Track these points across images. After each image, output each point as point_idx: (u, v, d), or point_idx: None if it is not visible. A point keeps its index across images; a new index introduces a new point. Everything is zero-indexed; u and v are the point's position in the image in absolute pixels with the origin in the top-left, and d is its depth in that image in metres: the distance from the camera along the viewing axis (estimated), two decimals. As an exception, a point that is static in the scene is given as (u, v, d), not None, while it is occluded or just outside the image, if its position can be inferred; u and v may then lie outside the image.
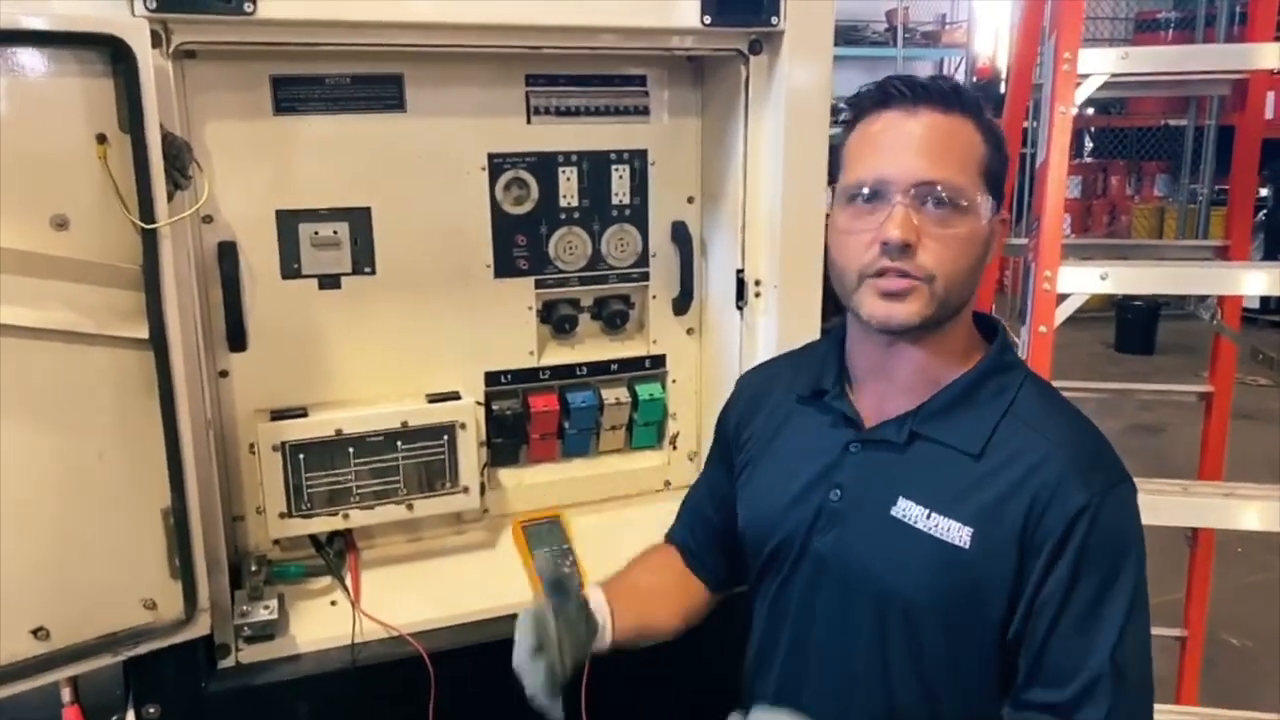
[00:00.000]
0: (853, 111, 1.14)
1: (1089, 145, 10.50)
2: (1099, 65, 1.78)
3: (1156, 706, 2.10)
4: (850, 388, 1.22)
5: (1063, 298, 1.77)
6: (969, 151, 1.08)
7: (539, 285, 1.79)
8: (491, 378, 1.79)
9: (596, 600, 1.25)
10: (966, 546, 1.07)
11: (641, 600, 1.33)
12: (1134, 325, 7.74)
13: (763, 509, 1.27)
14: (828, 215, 1.17)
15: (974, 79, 10.82)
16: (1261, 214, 8.29)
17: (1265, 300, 7.52)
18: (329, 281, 1.65)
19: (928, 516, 1.10)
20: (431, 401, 1.67)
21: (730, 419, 1.39)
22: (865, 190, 1.08)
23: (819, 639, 1.20)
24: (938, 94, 1.08)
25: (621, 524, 1.84)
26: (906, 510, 1.11)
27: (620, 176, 1.80)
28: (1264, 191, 8.44)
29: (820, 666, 1.19)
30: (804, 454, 1.23)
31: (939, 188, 1.05)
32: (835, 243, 1.13)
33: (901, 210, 1.05)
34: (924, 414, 1.14)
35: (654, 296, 1.87)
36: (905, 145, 1.07)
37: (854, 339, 1.21)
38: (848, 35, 11.33)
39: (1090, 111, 9.46)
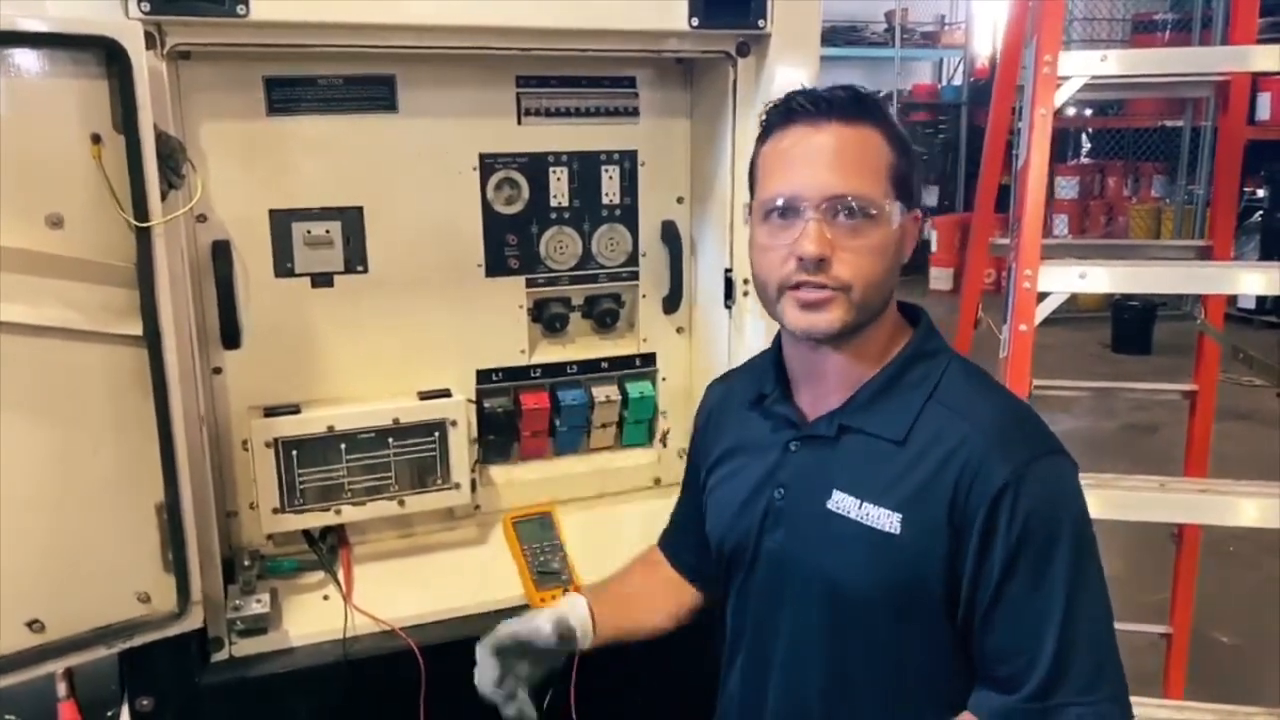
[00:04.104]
0: (762, 127, 1.17)
1: (1086, 146, 10.53)
2: (1079, 68, 1.80)
3: (1142, 699, 2.11)
4: (792, 390, 1.26)
5: (1045, 297, 1.79)
6: (876, 160, 1.11)
7: (530, 284, 1.81)
8: (483, 375, 1.81)
9: (579, 613, 1.35)
10: (897, 533, 1.10)
11: (626, 604, 1.43)
12: (1131, 325, 7.76)
13: (720, 514, 1.31)
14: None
15: (972, 79, 10.85)
16: (1258, 215, 8.32)
17: (1261, 300, 7.53)
18: (322, 280, 1.67)
19: (859, 506, 1.13)
20: (423, 399, 1.69)
21: (696, 429, 1.45)
22: (779, 206, 1.11)
23: (777, 636, 1.22)
24: (841, 106, 1.10)
25: (612, 520, 1.87)
26: (840, 502, 1.15)
27: (610, 177, 1.82)
28: (1261, 193, 8.46)
29: (781, 663, 1.22)
30: (752, 458, 1.26)
31: (849, 199, 1.08)
32: (754, 258, 1.16)
33: (814, 225, 1.07)
34: (851, 407, 1.17)
35: (644, 295, 1.89)
36: (814, 160, 1.09)
37: (787, 345, 1.25)
38: (847, 36, 11.36)
39: (1088, 113, 9.49)
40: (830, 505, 1.15)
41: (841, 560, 1.14)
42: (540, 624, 1.30)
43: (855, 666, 1.15)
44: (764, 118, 1.17)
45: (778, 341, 1.28)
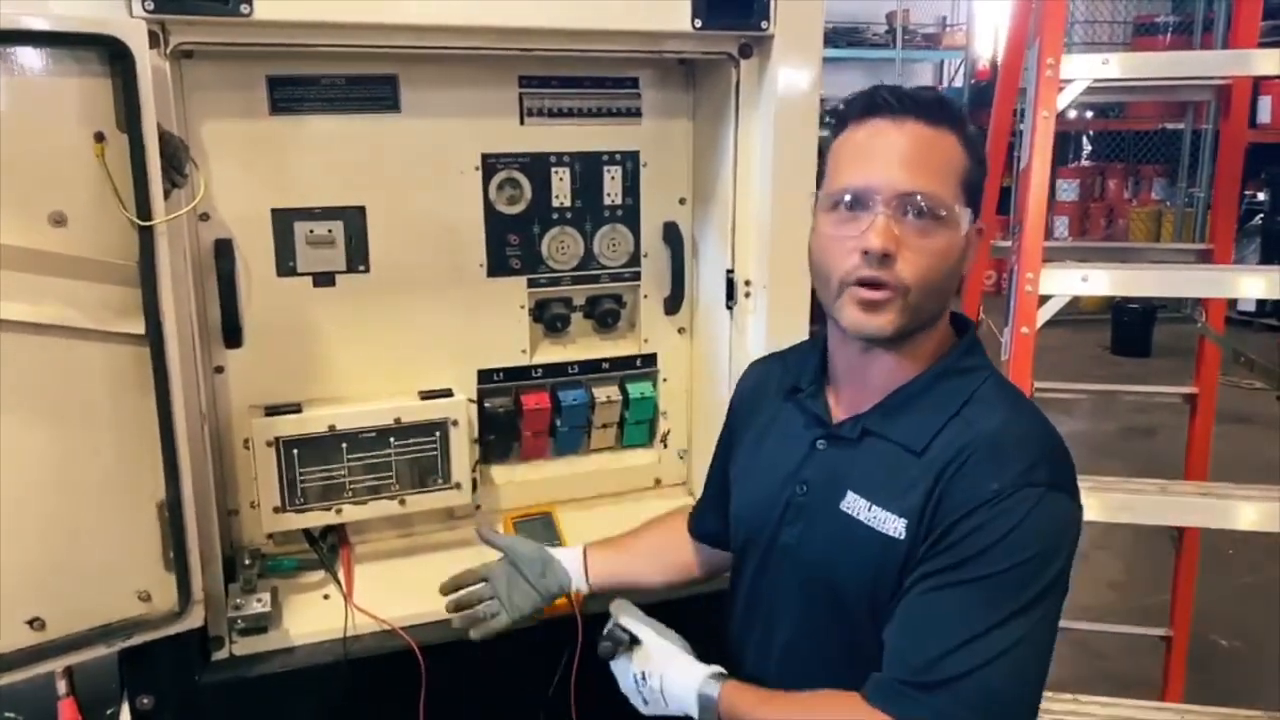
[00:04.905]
0: (840, 117, 1.17)
1: (1087, 148, 10.52)
2: (1081, 71, 1.80)
3: (1142, 703, 2.11)
4: (830, 388, 1.26)
5: (1046, 299, 1.80)
6: (951, 164, 1.10)
7: (531, 284, 1.81)
8: (484, 375, 1.81)
9: (571, 556, 1.49)
10: (901, 537, 1.10)
11: (628, 555, 1.52)
12: (1130, 328, 7.75)
13: (743, 502, 1.33)
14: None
15: (973, 81, 10.83)
16: (1258, 218, 8.31)
17: (1261, 303, 7.53)
18: (324, 279, 1.67)
19: (869, 509, 1.13)
20: (424, 398, 1.69)
21: (734, 401, 1.46)
22: (849, 198, 1.10)
23: (783, 626, 1.24)
24: (923, 106, 1.10)
25: (612, 521, 1.85)
26: (852, 503, 1.15)
27: (612, 177, 1.82)
28: (1261, 196, 8.46)
29: (783, 653, 1.24)
30: (781, 451, 1.27)
31: (920, 199, 1.07)
32: (818, 247, 1.15)
33: (883, 220, 1.07)
34: (878, 412, 1.17)
35: (645, 296, 1.90)
36: (889, 155, 1.09)
37: (833, 342, 1.25)
38: (848, 37, 11.34)
39: (1089, 115, 9.48)
40: (843, 506, 1.15)
41: (846, 560, 1.14)
42: (528, 549, 1.48)
43: (856, 662, 1.15)
44: (842, 107, 1.16)
45: (824, 337, 1.28)
